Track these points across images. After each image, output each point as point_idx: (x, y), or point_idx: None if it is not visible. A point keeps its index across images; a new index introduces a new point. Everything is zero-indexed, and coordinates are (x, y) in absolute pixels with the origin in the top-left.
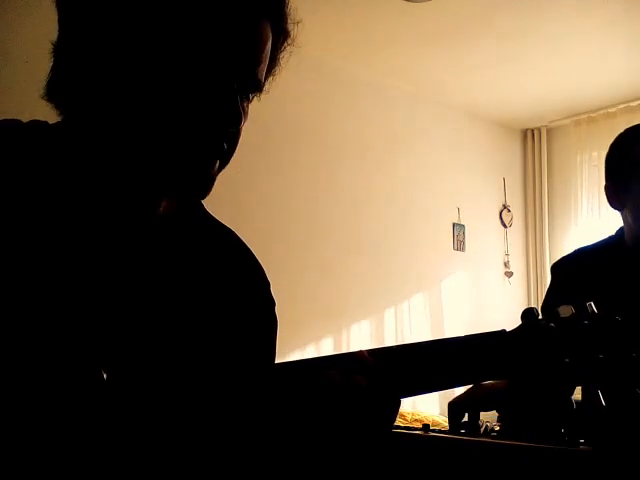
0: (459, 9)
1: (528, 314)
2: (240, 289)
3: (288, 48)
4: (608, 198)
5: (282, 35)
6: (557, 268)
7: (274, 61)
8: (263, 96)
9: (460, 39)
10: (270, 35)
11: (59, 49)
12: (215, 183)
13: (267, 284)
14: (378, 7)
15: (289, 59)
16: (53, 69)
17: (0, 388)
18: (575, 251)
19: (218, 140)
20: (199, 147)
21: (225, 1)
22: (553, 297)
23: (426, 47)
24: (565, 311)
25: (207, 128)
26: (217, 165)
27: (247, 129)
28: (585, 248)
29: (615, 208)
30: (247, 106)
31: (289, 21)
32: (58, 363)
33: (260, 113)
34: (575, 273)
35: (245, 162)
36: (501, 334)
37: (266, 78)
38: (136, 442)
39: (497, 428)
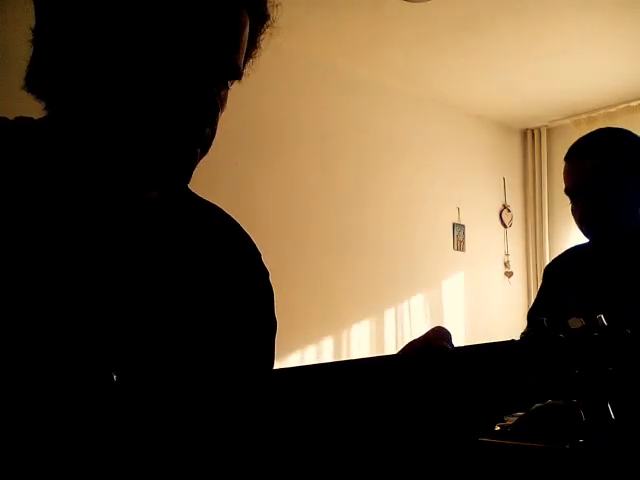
0: (459, 9)
1: (538, 325)
2: (233, 266)
3: (268, 30)
4: None
5: (261, 19)
6: (547, 269)
7: (253, 44)
8: (261, 96)
9: (460, 39)
10: (247, 21)
11: (37, 38)
12: (217, 184)
13: (258, 254)
14: (377, 7)
15: (277, 48)
16: (32, 59)
17: (9, 390)
18: (566, 250)
19: (194, 127)
20: (173, 134)
21: None
22: (540, 297)
23: (426, 47)
24: (575, 323)
25: (180, 115)
26: (198, 152)
27: (246, 129)
28: (576, 247)
29: None
30: (225, 93)
31: (268, 4)
32: (68, 365)
33: (258, 113)
34: (563, 271)
35: (245, 162)
36: (511, 344)
37: (245, 62)
38: (145, 443)
39: (497, 428)
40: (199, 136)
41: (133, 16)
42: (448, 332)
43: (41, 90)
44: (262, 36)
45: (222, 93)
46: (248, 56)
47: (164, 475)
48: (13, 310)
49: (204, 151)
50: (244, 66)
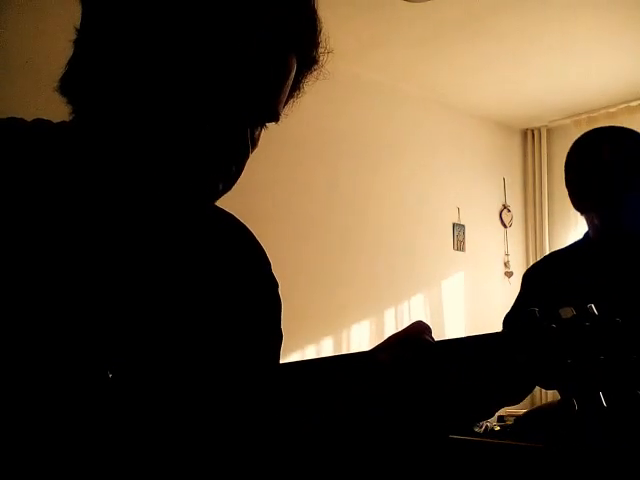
0: (459, 9)
1: (530, 315)
2: (241, 273)
3: (314, 74)
4: (575, 202)
5: (309, 64)
6: (526, 274)
7: (297, 86)
8: None
9: (460, 39)
10: (294, 66)
11: (80, 43)
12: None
13: (268, 265)
14: (377, 7)
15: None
16: (71, 61)
17: (5, 388)
18: (545, 256)
19: (221, 165)
20: (198, 167)
21: (252, 36)
22: (517, 303)
23: (426, 47)
24: (566, 312)
25: (209, 151)
26: (220, 187)
27: None
28: (555, 252)
29: (581, 211)
30: (259, 133)
31: (320, 50)
32: (64, 363)
33: None
34: (542, 277)
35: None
36: (502, 335)
37: (286, 103)
38: (137, 441)
39: (497, 428)
40: (224, 174)
41: (181, 46)
42: (428, 326)
43: (75, 95)
44: (307, 79)
45: (256, 133)
46: (290, 97)
47: (156, 473)
48: (10, 306)
49: (227, 187)
50: (285, 106)
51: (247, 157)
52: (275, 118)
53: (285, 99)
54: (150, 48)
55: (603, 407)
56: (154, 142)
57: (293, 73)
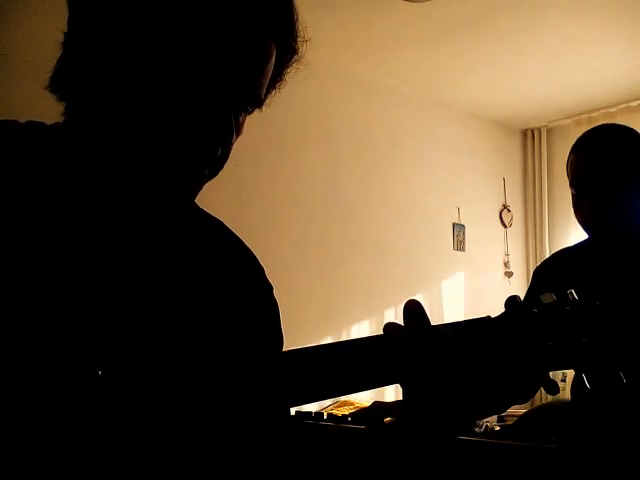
0: (459, 9)
1: (511, 301)
2: (237, 279)
3: (295, 64)
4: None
5: (289, 52)
6: (536, 270)
7: (279, 76)
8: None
9: (460, 39)
10: (274, 52)
11: (68, 42)
12: (216, 184)
13: (261, 269)
14: (378, 7)
15: (295, 74)
16: (60, 59)
17: None
18: (556, 252)
19: (205, 147)
20: (184, 150)
21: (232, 21)
22: (526, 298)
23: (426, 47)
24: (547, 298)
25: (194, 134)
26: (206, 172)
27: (248, 128)
28: (566, 248)
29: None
30: (244, 119)
31: (298, 39)
32: (52, 360)
33: (260, 113)
34: (553, 272)
35: (246, 162)
36: (486, 320)
37: (268, 91)
38: (131, 440)
39: (497, 428)
40: (209, 156)
41: (163, 35)
42: (414, 311)
43: (64, 91)
44: (288, 69)
45: (240, 118)
46: (272, 86)
47: (151, 472)
48: (4, 307)
49: (213, 172)
50: (267, 95)
51: (232, 140)
52: (257, 102)
53: (266, 84)
54: (133, 36)
55: (587, 389)
56: (140, 127)
57: (273, 58)
